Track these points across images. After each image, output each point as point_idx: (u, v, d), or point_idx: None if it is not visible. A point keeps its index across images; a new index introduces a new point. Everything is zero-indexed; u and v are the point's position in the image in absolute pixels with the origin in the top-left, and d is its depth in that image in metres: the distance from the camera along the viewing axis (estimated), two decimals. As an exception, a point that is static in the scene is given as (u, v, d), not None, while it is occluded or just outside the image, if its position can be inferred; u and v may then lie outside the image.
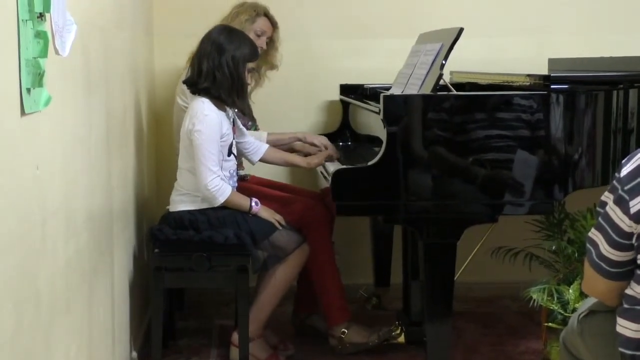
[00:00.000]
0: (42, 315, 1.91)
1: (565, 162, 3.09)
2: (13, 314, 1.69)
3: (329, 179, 3.13)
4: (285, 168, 4.29)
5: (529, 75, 3.33)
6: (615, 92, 3.24)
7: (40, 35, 1.82)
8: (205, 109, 3.32)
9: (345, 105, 4.27)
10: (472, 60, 4.11)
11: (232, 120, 3.47)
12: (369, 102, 3.69)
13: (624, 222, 1.81)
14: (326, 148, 3.72)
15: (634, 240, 1.82)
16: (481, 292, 4.28)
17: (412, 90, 3.21)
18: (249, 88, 3.89)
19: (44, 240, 1.93)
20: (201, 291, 4.25)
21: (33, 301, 1.83)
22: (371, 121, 3.66)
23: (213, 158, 3.30)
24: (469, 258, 3.41)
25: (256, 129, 3.90)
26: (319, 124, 4.42)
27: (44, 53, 1.83)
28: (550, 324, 3.12)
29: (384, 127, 3.03)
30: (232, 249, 3.29)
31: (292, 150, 3.84)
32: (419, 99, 3.06)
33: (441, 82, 3.11)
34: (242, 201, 3.39)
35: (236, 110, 3.50)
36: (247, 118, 3.72)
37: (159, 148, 4.18)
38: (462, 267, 3.29)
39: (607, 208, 1.87)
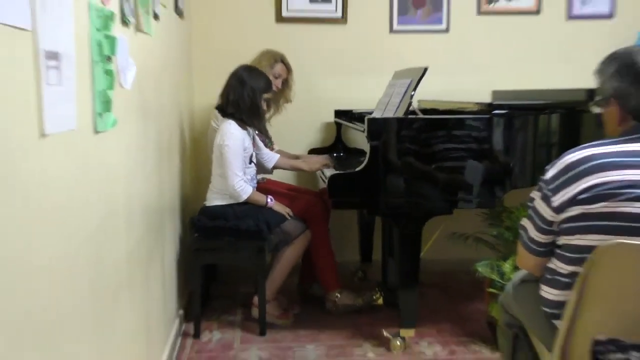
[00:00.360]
0: (111, 286, 1.92)
1: (504, 168, 3.09)
2: (88, 286, 1.70)
3: (326, 181, 3.14)
4: (293, 173, 4.30)
5: (477, 103, 3.34)
6: (542, 116, 3.25)
7: (108, 72, 1.83)
8: (232, 129, 3.34)
9: (338, 125, 4.27)
10: (434, 91, 4.10)
11: (252, 137, 3.49)
12: (357, 123, 3.69)
13: (548, 213, 1.82)
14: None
15: (554, 227, 1.83)
16: (440, 267, 4.28)
17: (389, 114, 3.22)
18: (269, 114, 3.92)
19: (112, 229, 1.94)
20: (229, 266, 4.25)
21: (103, 276, 1.84)
22: (358, 137, 3.67)
23: (238, 166, 3.31)
24: (431, 241, 3.42)
25: (271, 144, 3.91)
26: (318, 140, 4.42)
27: (111, 86, 1.85)
28: (491, 290, 3.12)
29: (368, 142, 3.04)
30: (253, 234, 3.30)
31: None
32: (394, 120, 3.06)
33: (411, 108, 3.12)
34: (260, 198, 3.40)
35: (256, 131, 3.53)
36: (263, 136, 3.73)
37: (197, 159, 4.19)
38: (426, 248, 3.30)
39: (535, 202, 1.88)
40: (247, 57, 3.80)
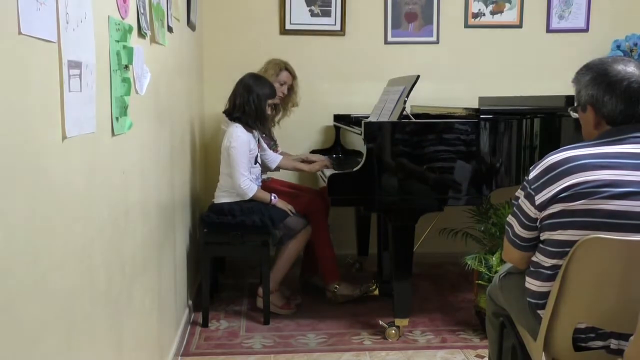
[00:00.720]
0: (126, 275, 1.92)
1: (490, 168, 3.09)
2: (106, 275, 1.70)
3: (326, 180, 3.13)
4: (295, 173, 4.30)
5: (465, 108, 3.33)
6: (524, 121, 3.24)
7: (126, 80, 1.83)
8: (238, 132, 3.33)
9: (337, 128, 4.27)
10: (426, 97, 4.11)
11: (257, 139, 3.48)
12: (354, 126, 3.69)
13: (531, 211, 1.81)
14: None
15: (537, 224, 1.82)
16: (432, 260, 4.27)
17: (384, 118, 3.21)
18: (278, 117, 3.92)
19: (127, 224, 1.94)
20: (236, 259, 4.25)
21: (120, 266, 1.84)
22: (355, 140, 3.67)
23: (244, 166, 3.31)
24: (424, 236, 3.41)
25: (276, 146, 3.91)
26: (319, 142, 4.42)
27: (128, 92, 1.85)
28: (479, 281, 3.12)
29: (364, 144, 3.04)
30: (258, 229, 3.29)
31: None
32: (389, 124, 3.06)
33: (404, 112, 3.12)
34: (265, 196, 3.40)
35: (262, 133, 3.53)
36: (268, 138, 3.73)
37: (206, 160, 4.19)
38: (419, 242, 3.29)
39: (519, 201, 1.87)
40: (253, 66, 3.79)
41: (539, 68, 4.45)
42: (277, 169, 3.75)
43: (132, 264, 1.98)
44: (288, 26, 4.30)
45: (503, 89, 4.32)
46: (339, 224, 4.19)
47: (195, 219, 3.60)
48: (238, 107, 3.37)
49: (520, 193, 1.88)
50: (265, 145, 3.63)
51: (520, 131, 3.21)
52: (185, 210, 3.29)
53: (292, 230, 3.44)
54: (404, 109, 3.09)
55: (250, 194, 3.33)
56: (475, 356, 2.95)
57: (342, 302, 3.57)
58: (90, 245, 1.55)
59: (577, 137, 1.98)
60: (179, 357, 2.91)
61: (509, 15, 4.44)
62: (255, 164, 3.43)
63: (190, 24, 3.45)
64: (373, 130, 3.04)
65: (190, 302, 3.37)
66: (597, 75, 1.80)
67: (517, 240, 1.90)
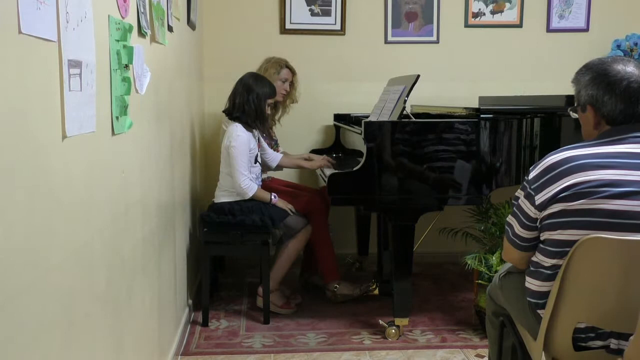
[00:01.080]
0: (126, 274, 1.92)
1: (490, 168, 3.09)
2: (106, 274, 1.70)
3: (326, 180, 3.13)
4: (296, 172, 4.31)
5: (465, 108, 3.33)
6: (524, 120, 3.24)
7: (126, 79, 1.83)
8: (238, 131, 3.33)
9: (337, 128, 4.27)
10: (426, 97, 4.11)
11: (257, 138, 3.48)
12: (354, 126, 3.69)
13: (531, 211, 1.81)
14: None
15: (537, 224, 1.82)
16: (432, 259, 4.28)
17: (384, 117, 3.21)
18: (278, 115, 3.91)
19: (127, 223, 1.94)
20: (236, 258, 4.25)
21: (119, 265, 1.84)
22: (355, 139, 3.66)
23: (244, 165, 3.31)
24: (424, 235, 3.41)
25: (277, 145, 3.91)
26: (319, 141, 4.42)
27: (128, 92, 1.84)
28: (479, 281, 3.12)
29: (364, 143, 3.04)
30: (258, 228, 3.29)
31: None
32: (389, 124, 3.06)
33: (404, 112, 3.11)
34: (265, 195, 3.40)
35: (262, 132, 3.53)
36: (267, 137, 3.73)
37: (206, 159, 4.19)
38: (419, 242, 3.29)
39: (519, 201, 1.87)
40: (253, 65, 3.80)
41: (539, 68, 4.45)
42: (278, 167, 3.75)
43: (132, 263, 1.98)
44: (288, 25, 4.31)
45: (503, 89, 4.33)
46: (339, 224, 4.19)
47: (195, 218, 3.60)
48: (238, 106, 3.37)
49: (520, 193, 1.88)
50: (265, 145, 3.63)
51: (520, 131, 3.21)
52: (185, 209, 3.29)
53: (292, 230, 3.44)
54: (404, 108, 3.09)
55: (250, 194, 3.33)
56: (475, 356, 2.95)
57: (342, 301, 3.57)
58: (90, 245, 1.55)
59: (577, 136, 1.98)
60: (179, 357, 2.91)
61: (509, 14, 4.44)
62: (255, 163, 3.43)
63: (190, 23, 3.45)
64: (373, 130, 3.03)
65: (190, 302, 3.37)
66: (596, 75, 1.80)
67: (517, 240, 1.90)
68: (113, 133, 1.74)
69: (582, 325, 1.77)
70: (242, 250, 3.41)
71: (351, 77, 4.38)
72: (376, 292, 3.60)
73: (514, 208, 1.91)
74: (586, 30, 4.47)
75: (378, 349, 3.03)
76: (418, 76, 3.12)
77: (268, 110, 3.48)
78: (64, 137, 1.36)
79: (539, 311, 1.85)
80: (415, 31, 4.40)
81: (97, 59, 1.56)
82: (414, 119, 3.16)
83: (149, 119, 2.27)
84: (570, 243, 1.71)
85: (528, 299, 1.89)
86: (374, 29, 4.38)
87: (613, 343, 1.75)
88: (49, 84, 1.29)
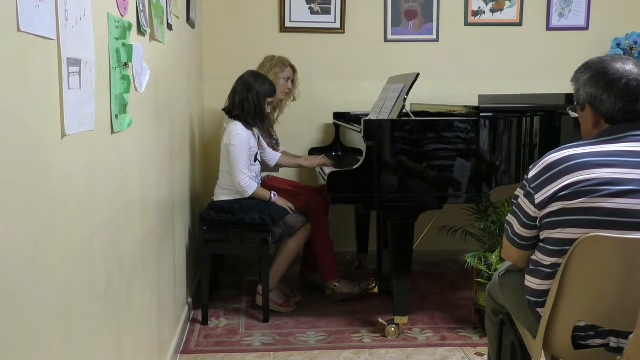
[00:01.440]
0: (126, 273, 1.91)
1: (490, 167, 3.09)
2: (105, 273, 1.70)
3: (326, 178, 3.13)
4: (295, 171, 4.31)
5: (465, 106, 3.33)
6: (524, 119, 3.24)
7: (125, 77, 1.83)
8: (238, 129, 3.33)
9: (337, 126, 4.27)
10: (426, 95, 4.12)
11: (257, 137, 3.48)
12: (354, 124, 3.69)
13: (531, 210, 1.81)
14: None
15: (537, 223, 1.82)
16: (431, 258, 4.28)
17: (384, 116, 3.21)
18: (276, 114, 3.90)
19: (126, 221, 1.93)
20: (236, 256, 4.25)
21: (119, 263, 1.84)
22: (355, 138, 3.66)
23: (244, 164, 3.31)
24: (423, 233, 3.41)
25: (278, 145, 3.91)
26: (319, 140, 4.42)
27: (127, 90, 1.84)
28: (479, 279, 3.12)
29: (364, 142, 3.04)
30: (258, 227, 3.29)
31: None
32: (388, 122, 3.06)
33: (404, 110, 3.11)
34: (265, 194, 3.40)
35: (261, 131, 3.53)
36: (267, 135, 3.73)
37: (206, 156, 4.19)
38: (418, 240, 3.29)
39: (519, 200, 1.87)
40: (253, 64, 3.79)
41: (539, 66, 4.45)
42: (277, 167, 3.75)
43: (131, 261, 1.98)
44: (288, 24, 4.30)
45: (503, 87, 4.33)
46: (338, 222, 4.19)
47: (194, 216, 3.60)
48: (237, 104, 3.37)
49: (519, 192, 1.88)
50: (264, 144, 3.63)
51: (520, 129, 3.21)
52: (184, 207, 3.29)
53: (291, 228, 3.44)
54: (403, 107, 3.09)
55: (249, 192, 3.33)
56: (475, 354, 2.95)
57: (342, 299, 3.58)
58: (89, 243, 1.55)
59: (576, 135, 1.98)
60: (179, 355, 2.91)
61: (509, 13, 4.43)
62: (255, 161, 3.42)
63: (190, 21, 3.45)
64: (373, 128, 3.03)
65: (189, 300, 3.37)
66: (595, 73, 1.79)
67: (516, 239, 1.90)
68: (112, 131, 1.74)
69: (582, 324, 1.77)
70: (242, 248, 3.40)
71: (351, 75, 4.38)
72: (376, 290, 3.60)
73: (514, 207, 1.90)
74: (586, 28, 4.47)
75: (377, 347, 3.03)
76: (418, 75, 3.12)
77: (268, 109, 3.47)
78: (63, 135, 1.36)
79: (538, 310, 1.85)
80: (415, 29, 4.39)
81: (97, 57, 1.56)
82: (413, 118, 3.16)
83: (148, 117, 2.27)
84: (570, 242, 1.71)
85: (528, 297, 1.89)
86: (374, 28, 4.38)
87: (613, 341, 1.75)
88: (48, 82, 1.29)
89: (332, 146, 4.24)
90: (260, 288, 3.43)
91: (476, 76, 4.43)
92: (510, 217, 1.94)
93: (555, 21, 4.46)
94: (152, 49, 2.30)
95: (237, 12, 4.30)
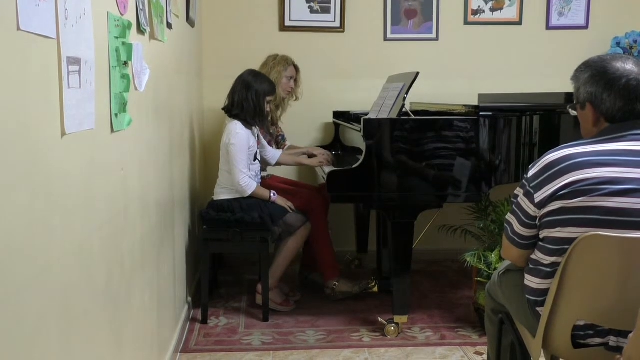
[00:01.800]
0: (125, 272, 1.92)
1: (489, 166, 3.09)
2: (105, 271, 1.70)
3: (325, 177, 3.13)
4: (295, 170, 4.31)
5: (464, 105, 3.33)
6: (524, 118, 3.24)
7: (125, 76, 1.83)
8: (237, 129, 3.33)
9: (336, 125, 4.26)
10: (425, 94, 4.11)
11: (256, 136, 3.48)
12: (353, 123, 3.69)
13: (530, 209, 1.81)
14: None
15: (537, 222, 1.82)
16: (431, 256, 4.28)
17: (384, 115, 3.21)
18: (279, 113, 3.90)
19: (126, 220, 1.94)
20: (235, 255, 4.25)
21: (119, 262, 1.84)
22: (354, 137, 3.66)
23: (243, 163, 3.31)
24: (423, 233, 3.41)
25: (284, 140, 3.91)
26: (319, 138, 4.42)
27: (127, 89, 1.84)
28: (478, 278, 3.12)
29: (364, 141, 3.03)
30: (257, 226, 3.29)
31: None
32: (388, 121, 3.06)
33: (404, 109, 3.11)
34: (264, 193, 3.40)
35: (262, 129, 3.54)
36: (267, 134, 3.73)
37: (206, 155, 4.19)
38: (418, 239, 3.29)
39: (519, 199, 1.87)
40: (253, 63, 3.79)
41: (538, 65, 4.45)
42: (278, 164, 3.75)
43: (131, 260, 1.98)
44: (287, 23, 4.30)
45: (503, 86, 4.33)
46: (338, 221, 4.19)
47: (194, 215, 3.60)
48: (237, 103, 3.37)
49: (519, 191, 1.88)
50: (264, 142, 3.63)
51: (519, 128, 3.21)
52: (184, 206, 3.29)
53: (291, 227, 3.44)
54: (403, 106, 3.08)
55: (249, 191, 3.33)
56: (474, 353, 2.95)
57: (341, 299, 3.58)
58: (89, 242, 1.55)
59: (576, 134, 1.98)
60: (178, 354, 2.91)
61: (509, 12, 4.43)
62: (254, 160, 3.42)
63: (189, 20, 3.45)
64: (372, 127, 3.03)
65: (189, 299, 3.38)
66: (595, 72, 1.79)
67: (516, 238, 1.90)
68: (112, 130, 1.74)
69: (581, 323, 1.77)
70: (242, 247, 3.41)
71: (350, 74, 4.38)
72: (375, 289, 3.60)
73: (513, 206, 1.91)
74: (586, 27, 4.47)
75: (377, 346, 3.03)
76: (417, 73, 3.12)
77: (268, 108, 3.47)
78: (63, 134, 1.36)
79: (538, 309, 1.85)
80: (415, 28, 4.39)
81: (96, 56, 1.56)
82: (413, 117, 3.16)
83: (148, 116, 2.27)
84: (569, 241, 1.71)
85: (527, 296, 1.89)
86: (374, 26, 4.38)
87: (612, 340, 1.75)
88: (48, 81, 1.29)
89: (332, 145, 4.23)
90: (259, 287, 3.43)
91: (476, 75, 4.43)
92: (509, 216, 1.94)
93: (555, 20, 4.46)
94: (152, 47, 2.30)
95: (237, 11, 4.29)
